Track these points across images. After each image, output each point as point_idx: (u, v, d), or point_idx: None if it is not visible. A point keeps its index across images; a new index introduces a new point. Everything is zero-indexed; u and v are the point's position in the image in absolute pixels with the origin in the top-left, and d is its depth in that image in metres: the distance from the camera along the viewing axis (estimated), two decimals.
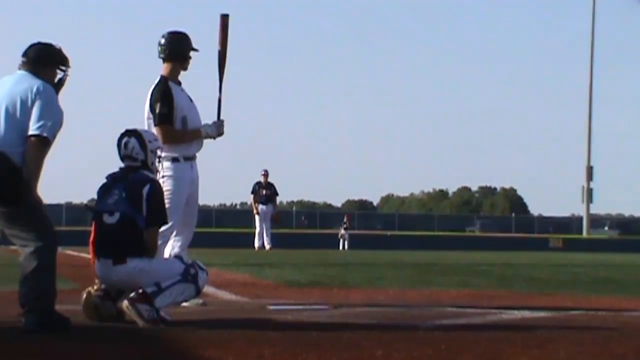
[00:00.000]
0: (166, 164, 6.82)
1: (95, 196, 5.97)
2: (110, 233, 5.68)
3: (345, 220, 35.11)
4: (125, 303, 5.58)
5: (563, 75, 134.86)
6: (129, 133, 5.98)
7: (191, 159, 7.12)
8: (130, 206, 5.68)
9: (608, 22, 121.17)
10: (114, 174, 5.91)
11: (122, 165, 5.95)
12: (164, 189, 6.73)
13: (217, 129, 7.16)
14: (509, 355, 4.64)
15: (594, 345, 4.98)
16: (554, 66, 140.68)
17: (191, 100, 7.18)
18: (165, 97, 6.94)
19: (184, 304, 6.81)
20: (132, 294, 5.57)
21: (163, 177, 6.73)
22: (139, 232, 5.69)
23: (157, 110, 6.92)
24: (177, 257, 6.07)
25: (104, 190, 5.84)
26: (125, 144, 5.91)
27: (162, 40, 7.06)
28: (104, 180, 5.90)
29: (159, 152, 6.05)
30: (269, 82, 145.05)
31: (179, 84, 7.09)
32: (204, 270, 5.91)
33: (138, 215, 5.68)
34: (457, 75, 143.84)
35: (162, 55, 7.08)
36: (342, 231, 34.09)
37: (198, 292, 5.92)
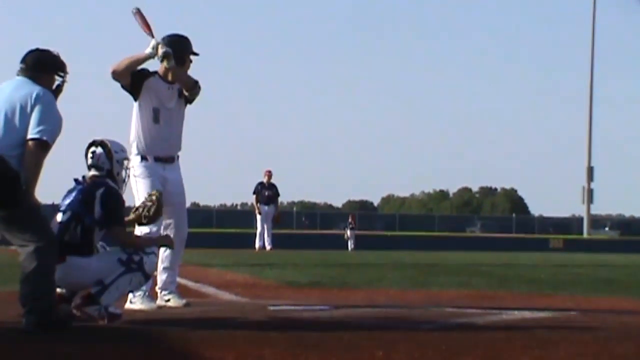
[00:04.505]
0: (135, 163, 6.88)
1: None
2: (59, 231, 5.69)
3: (350, 220, 34.80)
4: (73, 307, 5.62)
5: (563, 75, 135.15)
6: (96, 143, 6.05)
7: (163, 160, 7.08)
8: (81, 206, 5.73)
9: (609, 23, 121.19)
10: (77, 179, 5.96)
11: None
12: (136, 188, 6.75)
13: (151, 45, 6.90)
14: (510, 355, 4.64)
15: (595, 346, 4.98)
16: (554, 67, 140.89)
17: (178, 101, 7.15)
18: (134, 72, 6.94)
19: (170, 304, 6.81)
20: (78, 299, 5.59)
21: (134, 176, 6.78)
22: (85, 231, 5.72)
23: None
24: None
25: (66, 194, 5.89)
26: (92, 153, 5.98)
27: (161, 42, 7.08)
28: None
29: (125, 163, 6.11)
30: (270, 82, 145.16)
31: (170, 83, 7.07)
32: (150, 254, 5.90)
33: (86, 215, 5.71)
34: (458, 75, 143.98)
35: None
36: (349, 232, 33.68)
37: (147, 278, 5.93)
